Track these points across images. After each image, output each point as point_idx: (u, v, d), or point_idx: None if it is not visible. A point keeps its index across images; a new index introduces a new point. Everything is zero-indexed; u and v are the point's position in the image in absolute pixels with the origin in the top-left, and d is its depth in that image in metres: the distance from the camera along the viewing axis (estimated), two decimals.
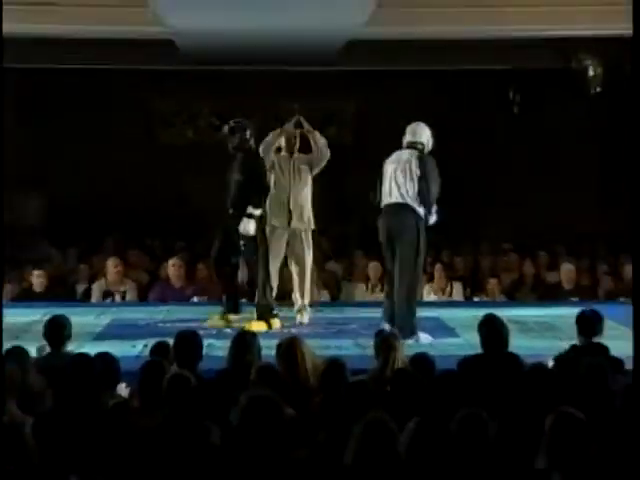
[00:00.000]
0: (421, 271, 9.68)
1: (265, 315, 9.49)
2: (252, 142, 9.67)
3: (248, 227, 9.37)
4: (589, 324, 7.25)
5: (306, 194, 9.90)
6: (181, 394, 5.55)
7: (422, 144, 9.38)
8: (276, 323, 9.52)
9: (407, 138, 9.41)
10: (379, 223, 9.35)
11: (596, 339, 7.17)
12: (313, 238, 10.05)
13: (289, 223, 9.80)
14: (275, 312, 9.58)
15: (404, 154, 9.35)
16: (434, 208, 9.30)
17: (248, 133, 9.60)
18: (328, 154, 9.96)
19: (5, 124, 14.02)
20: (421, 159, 9.28)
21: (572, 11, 11.09)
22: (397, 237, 9.24)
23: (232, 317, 9.64)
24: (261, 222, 9.52)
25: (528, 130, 15.81)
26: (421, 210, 9.22)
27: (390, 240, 9.29)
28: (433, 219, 9.30)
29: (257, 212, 9.41)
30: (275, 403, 4.72)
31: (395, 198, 9.25)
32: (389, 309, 9.31)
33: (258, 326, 9.15)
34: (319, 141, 9.99)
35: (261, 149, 9.91)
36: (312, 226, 9.93)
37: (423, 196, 9.24)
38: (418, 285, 9.75)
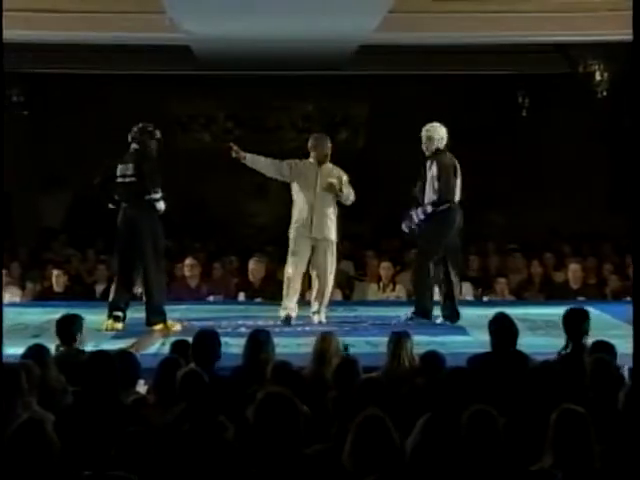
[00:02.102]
0: None
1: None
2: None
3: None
4: (576, 324, 7.12)
5: (329, 205, 9.67)
6: (194, 390, 5.62)
7: None
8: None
9: (445, 140, 9.61)
10: (450, 219, 9.57)
11: (584, 339, 7.07)
12: None
13: (311, 232, 9.62)
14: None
15: (451, 157, 9.62)
16: None
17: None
18: (352, 198, 9.75)
19: (30, 126, 14.25)
20: None
21: (579, 17, 11.15)
22: (458, 235, 9.62)
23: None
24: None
25: (536, 133, 15.85)
26: None
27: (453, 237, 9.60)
28: None
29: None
30: (290, 400, 4.73)
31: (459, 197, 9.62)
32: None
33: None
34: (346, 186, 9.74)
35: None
36: (334, 237, 9.73)
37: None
38: None
